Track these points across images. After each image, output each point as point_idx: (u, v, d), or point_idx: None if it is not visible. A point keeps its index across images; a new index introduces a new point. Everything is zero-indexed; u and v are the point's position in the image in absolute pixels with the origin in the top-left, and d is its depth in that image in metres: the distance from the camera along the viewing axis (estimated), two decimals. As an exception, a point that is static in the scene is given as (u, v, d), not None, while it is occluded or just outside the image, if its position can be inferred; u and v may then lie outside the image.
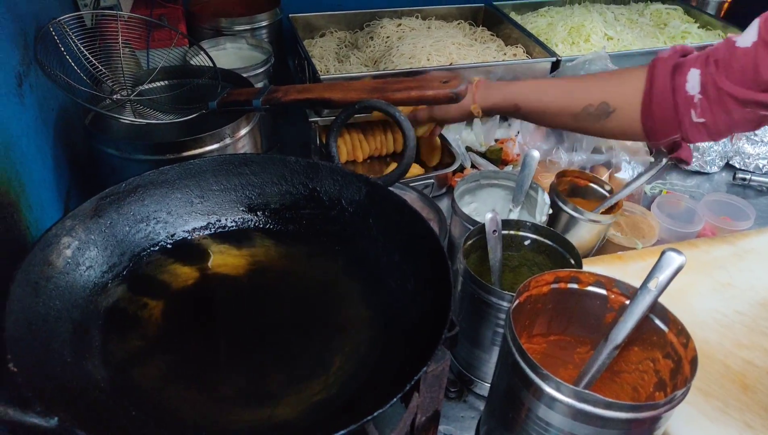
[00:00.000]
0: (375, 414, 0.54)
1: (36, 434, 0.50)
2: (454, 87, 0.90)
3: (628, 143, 1.33)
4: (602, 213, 1.20)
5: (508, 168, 1.50)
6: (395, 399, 0.56)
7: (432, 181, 1.42)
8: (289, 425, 0.61)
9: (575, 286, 0.89)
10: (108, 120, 1.08)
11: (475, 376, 1.04)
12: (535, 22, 1.73)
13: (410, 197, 1.23)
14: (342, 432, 0.52)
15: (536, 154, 1.13)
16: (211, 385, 0.67)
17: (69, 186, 1.02)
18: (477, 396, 1.04)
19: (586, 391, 0.71)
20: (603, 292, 0.88)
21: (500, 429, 0.86)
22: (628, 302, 0.85)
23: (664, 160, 1.13)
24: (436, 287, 0.69)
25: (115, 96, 1.11)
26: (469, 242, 1.02)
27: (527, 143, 1.40)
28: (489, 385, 1.03)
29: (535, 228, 1.04)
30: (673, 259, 0.78)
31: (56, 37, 1.03)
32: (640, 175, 1.18)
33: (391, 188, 0.81)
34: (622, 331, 0.82)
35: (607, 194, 1.23)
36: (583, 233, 1.18)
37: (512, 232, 1.05)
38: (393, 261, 0.78)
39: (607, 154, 1.34)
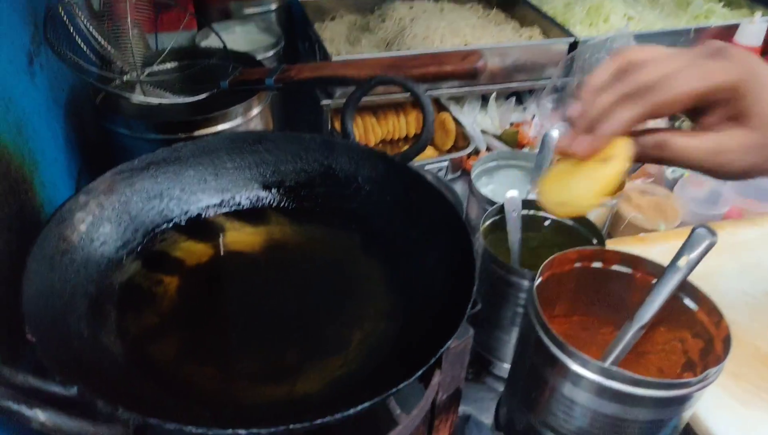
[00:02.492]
0: (400, 386, 0.52)
1: (55, 403, 0.48)
2: (473, 62, 0.87)
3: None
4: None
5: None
6: (420, 372, 0.54)
7: (446, 163, 1.39)
8: (311, 400, 0.60)
9: (599, 264, 0.86)
10: (118, 100, 1.07)
11: (494, 357, 1.02)
12: (551, 3, 1.70)
13: (425, 179, 1.21)
14: (365, 405, 0.50)
15: (555, 133, 1.10)
16: (228, 362, 0.65)
17: (80, 166, 1.01)
18: (495, 377, 1.02)
19: (615, 368, 0.69)
20: (628, 271, 0.85)
21: (522, 409, 0.84)
22: (654, 281, 0.83)
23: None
24: (459, 262, 0.67)
25: (125, 76, 1.10)
26: (488, 222, 1.00)
27: (544, 126, 1.38)
28: (508, 366, 1.01)
29: (555, 207, 1.01)
30: (705, 237, 0.76)
31: (65, 18, 1.02)
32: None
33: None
34: (648, 311, 0.80)
35: (615, 174, 1.20)
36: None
37: (532, 212, 1.03)
38: (412, 237, 0.76)
39: (626, 134, 1.31)
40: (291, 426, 0.47)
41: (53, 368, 0.50)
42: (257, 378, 0.63)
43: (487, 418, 0.96)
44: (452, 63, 0.89)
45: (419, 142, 0.81)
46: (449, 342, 0.56)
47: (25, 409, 0.37)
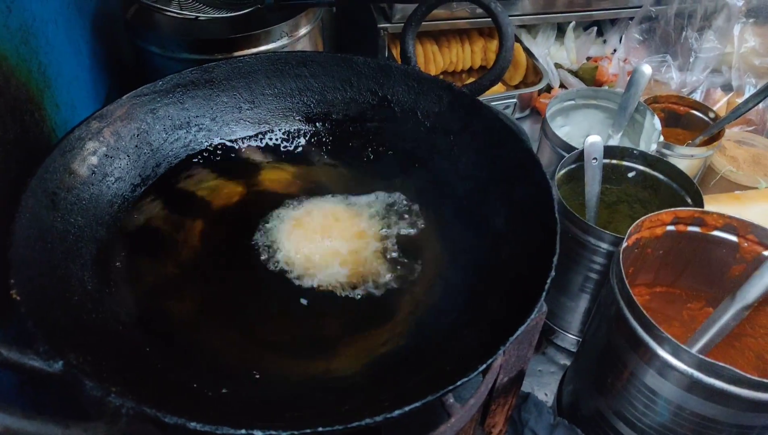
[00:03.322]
0: (458, 384, 0.42)
1: (40, 377, 0.40)
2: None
3: (757, 62, 1.11)
4: (702, 144, 1.01)
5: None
6: (485, 365, 0.43)
7: (514, 100, 1.24)
8: (349, 383, 0.50)
9: (697, 229, 0.73)
10: (152, 14, 0.95)
11: (558, 326, 0.90)
12: None
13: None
14: (414, 405, 0.40)
15: (647, 69, 0.94)
16: (254, 326, 0.56)
17: (109, 89, 0.91)
18: (558, 348, 0.91)
19: (718, 363, 0.57)
20: (733, 238, 0.72)
21: (591, 392, 0.73)
22: (767, 253, 0.69)
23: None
24: (536, 224, 0.55)
25: (161, -12, 0.98)
26: (564, 171, 0.86)
27: (629, 60, 1.20)
28: (572, 336, 0.90)
29: (644, 157, 0.86)
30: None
31: None
32: (756, 96, 0.96)
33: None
34: (755, 289, 0.67)
35: (710, 122, 1.03)
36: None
37: (614, 161, 0.88)
38: (479, 189, 0.64)
39: (728, 75, 1.12)
40: (321, 429, 0.37)
41: (39, 332, 0.41)
42: (288, 349, 0.54)
43: (547, 395, 0.85)
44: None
45: (493, 70, 0.68)
46: (522, 327, 0.45)
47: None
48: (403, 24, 1.24)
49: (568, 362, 0.90)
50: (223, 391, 0.47)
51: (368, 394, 0.47)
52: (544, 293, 0.48)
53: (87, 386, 0.37)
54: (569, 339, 0.90)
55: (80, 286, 0.51)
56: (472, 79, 1.35)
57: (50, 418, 0.31)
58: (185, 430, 0.37)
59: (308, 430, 0.37)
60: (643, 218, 0.69)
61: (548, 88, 1.29)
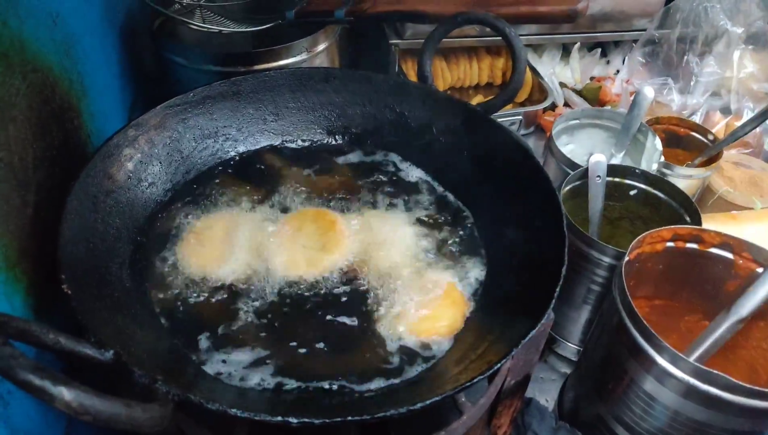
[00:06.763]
0: (475, 381, 0.45)
1: (91, 366, 0.43)
2: (574, 3, 0.76)
3: (755, 86, 1.15)
4: (700, 164, 1.05)
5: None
6: (501, 363, 0.47)
7: (520, 117, 1.28)
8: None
9: (695, 246, 0.77)
10: (177, 27, 1.00)
11: (560, 336, 0.94)
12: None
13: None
14: (435, 399, 0.44)
15: (650, 92, 0.98)
16: (283, 328, 0.58)
17: (134, 97, 0.95)
18: (559, 357, 0.95)
19: (713, 371, 0.60)
20: (729, 255, 0.75)
21: (592, 398, 0.76)
22: (760, 270, 0.73)
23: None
24: (546, 236, 0.59)
25: (185, 1, 1.03)
26: (568, 187, 0.90)
27: (632, 81, 1.24)
28: (573, 346, 0.94)
29: (645, 176, 0.90)
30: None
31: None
32: (753, 119, 1.00)
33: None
34: (749, 303, 0.71)
35: (709, 144, 1.07)
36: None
37: (617, 179, 0.92)
38: (490, 202, 0.68)
39: (727, 98, 1.17)
40: (350, 418, 0.41)
41: (88, 326, 0.44)
42: (319, 352, 0.57)
43: (548, 401, 0.89)
44: (548, 2, 0.78)
45: (506, 91, 0.72)
46: (533, 331, 0.49)
47: (48, 386, 0.32)
48: (413, 40, 1.30)
49: (568, 370, 0.93)
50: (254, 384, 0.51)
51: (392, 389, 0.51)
52: (553, 301, 0.51)
53: (136, 374, 0.41)
54: (570, 348, 0.93)
55: (119, 283, 0.55)
56: (478, 95, 1.40)
57: (115, 398, 0.34)
58: (225, 416, 0.41)
59: (339, 419, 0.41)
60: (644, 234, 0.73)
61: (552, 106, 1.33)
